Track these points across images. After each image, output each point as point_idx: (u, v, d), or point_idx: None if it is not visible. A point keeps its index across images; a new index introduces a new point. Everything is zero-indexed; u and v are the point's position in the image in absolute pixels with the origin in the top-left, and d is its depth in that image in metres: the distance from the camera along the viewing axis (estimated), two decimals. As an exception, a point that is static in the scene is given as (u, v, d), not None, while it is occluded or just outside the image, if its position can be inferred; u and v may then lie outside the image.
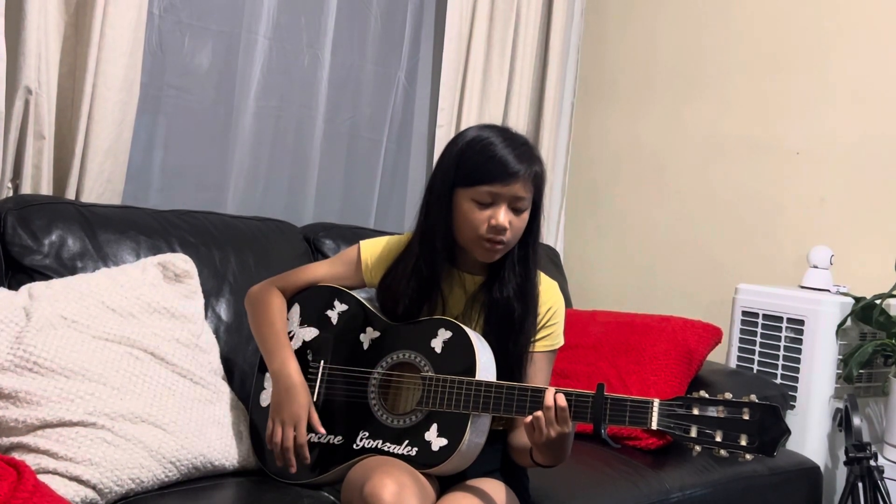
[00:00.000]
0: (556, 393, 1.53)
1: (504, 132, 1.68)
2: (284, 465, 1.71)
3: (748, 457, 1.43)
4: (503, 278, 1.71)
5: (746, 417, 1.44)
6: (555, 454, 1.59)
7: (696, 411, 1.47)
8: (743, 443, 1.43)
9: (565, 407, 1.51)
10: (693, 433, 1.46)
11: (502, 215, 1.63)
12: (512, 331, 1.71)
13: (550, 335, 1.78)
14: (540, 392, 1.56)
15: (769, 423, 1.42)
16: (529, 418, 1.54)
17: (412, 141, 3.15)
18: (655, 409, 1.49)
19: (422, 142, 3.16)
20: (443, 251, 1.70)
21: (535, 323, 1.74)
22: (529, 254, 1.72)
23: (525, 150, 1.66)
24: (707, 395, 1.49)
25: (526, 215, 1.68)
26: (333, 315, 1.80)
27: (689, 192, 3.17)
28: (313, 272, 1.86)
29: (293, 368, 1.73)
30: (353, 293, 1.81)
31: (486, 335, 1.72)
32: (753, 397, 1.46)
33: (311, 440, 1.73)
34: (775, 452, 1.41)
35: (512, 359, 1.71)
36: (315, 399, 1.76)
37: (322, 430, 1.70)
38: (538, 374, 1.76)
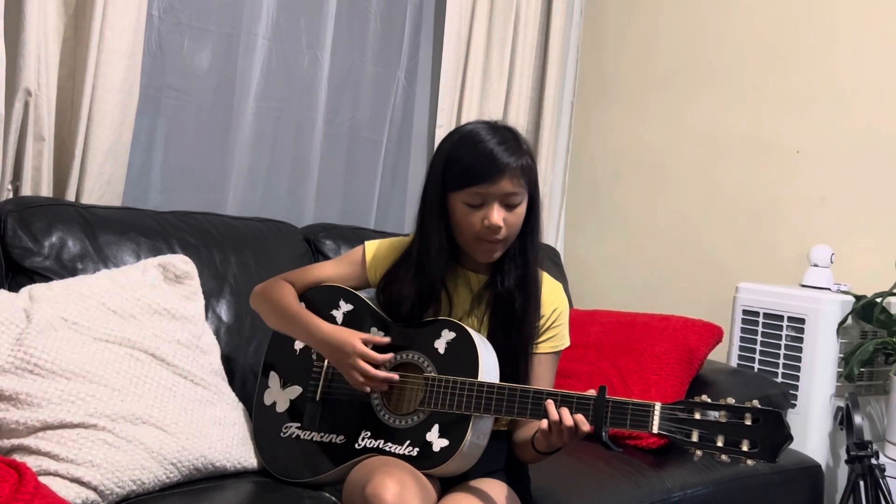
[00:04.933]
0: (559, 408, 1.53)
1: (490, 129, 1.67)
2: (291, 461, 1.73)
3: (749, 462, 1.42)
4: (504, 272, 1.72)
5: (748, 423, 1.43)
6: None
7: (697, 415, 1.47)
8: (744, 448, 1.42)
9: (571, 426, 1.51)
10: (694, 437, 1.46)
11: (495, 214, 1.63)
12: (515, 321, 1.71)
13: (556, 336, 1.78)
14: (541, 394, 1.56)
15: (771, 429, 1.42)
16: (545, 425, 1.54)
17: (412, 141, 3.15)
18: (657, 412, 1.48)
19: (422, 142, 3.16)
20: (441, 257, 1.70)
21: (538, 314, 1.74)
22: (528, 245, 1.72)
23: (511, 144, 1.65)
24: (709, 400, 1.48)
25: (521, 209, 1.67)
26: (339, 315, 1.80)
27: (689, 191, 3.17)
28: (319, 272, 1.86)
29: (323, 325, 1.71)
30: (358, 293, 1.81)
31: (492, 331, 1.72)
32: (756, 402, 1.45)
33: (314, 439, 1.73)
34: (777, 458, 1.41)
35: (517, 351, 1.72)
36: (318, 398, 1.76)
37: (384, 340, 1.68)
38: (544, 375, 1.76)
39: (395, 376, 1.66)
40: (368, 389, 1.68)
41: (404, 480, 1.49)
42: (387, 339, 1.70)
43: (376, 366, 1.65)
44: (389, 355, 1.68)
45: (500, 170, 1.62)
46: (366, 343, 1.66)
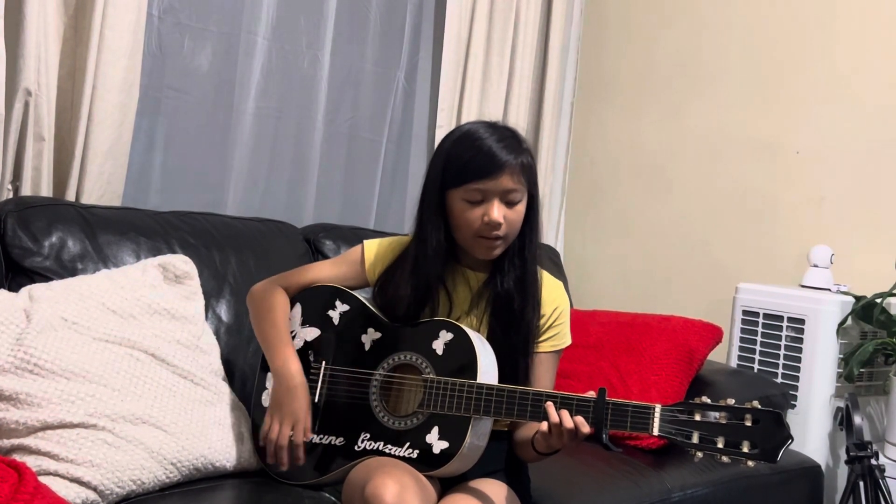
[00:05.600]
0: (559, 409, 1.53)
1: (490, 127, 1.68)
2: (290, 463, 1.71)
3: (750, 463, 1.42)
4: (504, 271, 1.72)
5: (749, 423, 1.43)
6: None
7: (697, 417, 1.47)
8: (745, 449, 1.43)
9: (572, 428, 1.51)
10: (695, 439, 1.46)
11: (495, 210, 1.63)
12: (513, 320, 1.71)
13: (556, 335, 1.78)
14: (541, 396, 1.56)
15: (771, 430, 1.42)
16: (545, 427, 1.54)
17: (412, 141, 3.15)
18: (657, 414, 1.48)
19: (421, 142, 3.16)
20: (439, 255, 1.70)
21: (538, 314, 1.74)
22: (527, 244, 1.72)
23: (510, 141, 1.66)
24: (709, 401, 1.48)
25: (521, 207, 1.68)
26: (335, 315, 1.79)
27: (688, 191, 3.17)
28: (317, 272, 1.86)
29: (295, 368, 1.72)
30: (355, 293, 1.81)
31: (492, 330, 1.72)
32: (756, 403, 1.45)
33: (313, 441, 1.73)
34: (778, 459, 1.41)
35: (517, 350, 1.72)
36: (317, 399, 1.76)
37: (309, 437, 1.70)
38: (545, 374, 1.76)
39: (286, 466, 1.69)
40: (263, 443, 1.71)
41: (404, 481, 1.49)
42: (310, 437, 1.71)
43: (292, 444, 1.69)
44: (302, 456, 1.70)
45: (500, 166, 1.62)
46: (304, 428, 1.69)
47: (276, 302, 1.81)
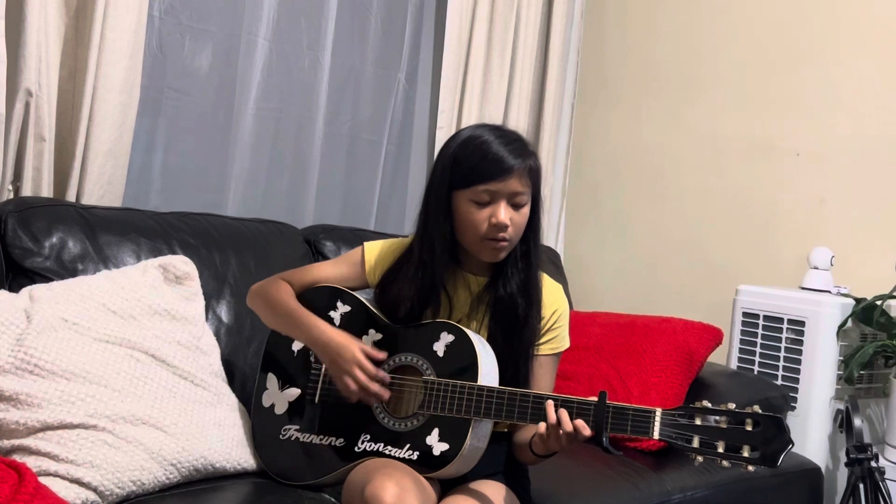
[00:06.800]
0: (558, 409, 1.53)
1: (496, 130, 1.69)
2: (290, 463, 1.73)
3: (750, 468, 1.42)
4: (506, 275, 1.72)
5: (749, 428, 1.43)
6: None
7: (698, 421, 1.47)
8: (745, 454, 1.42)
9: (571, 431, 1.51)
10: (695, 443, 1.46)
11: (502, 212, 1.63)
12: (517, 326, 1.72)
13: (556, 338, 1.78)
14: (542, 399, 1.56)
15: (772, 435, 1.42)
16: (543, 428, 1.54)
17: (412, 142, 3.15)
18: (657, 418, 1.48)
19: (422, 143, 3.16)
20: (443, 256, 1.70)
21: (540, 318, 1.74)
22: (531, 248, 1.73)
23: (518, 145, 1.66)
24: (710, 405, 1.47)
25: (526, 210, 1.68)
26: (336, 316, 1.79)
27: (689, 193, 3.17)
28: (317, 272, 1.86)
29: (323, 326, 1.71)
30: (356, 294, 1.81)
31: (492, 333, 1.72)
32: (757, 408, 1.45)
33: (313, 442, 1.73)
34: (778, 464, 1.41)
35: (518, 355, 1.72)
36: (316, 400, 1.76)
37: (381, 355, 1.68)
38: (544, 376, 1.76)
39: (387, 393, 1.66)
40: (354, 399, 1.67)
41: (403, 483, 1.49)
42: (383, 355, 1.69)
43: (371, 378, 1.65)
44: (386, 375, 1.68)
45: (509, 169, 1.63)
46: (364, 354, 1.66)
47: (281, 289, 1.80)
